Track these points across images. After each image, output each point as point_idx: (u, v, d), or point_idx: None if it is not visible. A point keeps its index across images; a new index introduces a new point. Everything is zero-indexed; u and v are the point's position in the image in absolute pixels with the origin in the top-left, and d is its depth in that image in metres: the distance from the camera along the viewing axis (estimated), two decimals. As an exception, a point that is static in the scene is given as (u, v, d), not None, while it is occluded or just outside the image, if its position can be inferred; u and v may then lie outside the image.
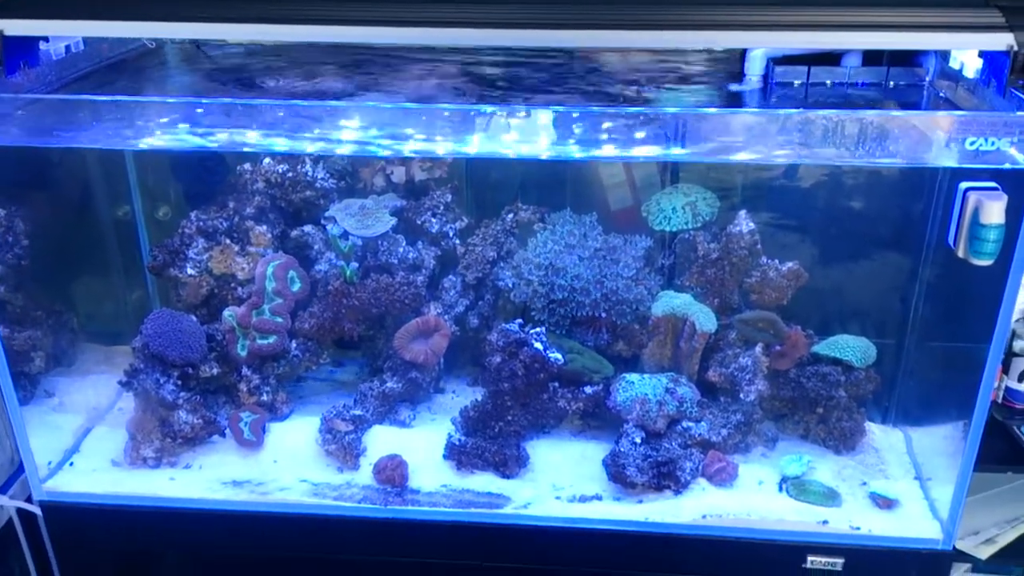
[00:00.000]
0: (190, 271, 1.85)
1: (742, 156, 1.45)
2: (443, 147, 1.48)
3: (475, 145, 1.46)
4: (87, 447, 1.86)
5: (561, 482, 1.73)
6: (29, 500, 1.78)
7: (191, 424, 1.77)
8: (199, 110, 1.46)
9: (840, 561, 1.62)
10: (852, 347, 1.78)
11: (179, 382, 1.78)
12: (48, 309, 1.96)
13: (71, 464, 1.81)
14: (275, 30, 1.42)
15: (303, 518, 1.70)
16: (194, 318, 1.83)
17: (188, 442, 1.79)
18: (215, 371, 1.82)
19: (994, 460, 1.72)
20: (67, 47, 1.62)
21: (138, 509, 1.72)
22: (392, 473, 1.72)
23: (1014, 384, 1.80)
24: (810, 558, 1.62)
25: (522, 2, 1.39)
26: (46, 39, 1.56)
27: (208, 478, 1.76)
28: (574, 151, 1.44)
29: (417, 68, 1.71)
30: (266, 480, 1.75)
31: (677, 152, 1.42)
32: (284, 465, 1.78)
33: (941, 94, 1.53)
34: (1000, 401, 1.84)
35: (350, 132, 1.48)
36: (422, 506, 1.69)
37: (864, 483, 1.72)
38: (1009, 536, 1.80)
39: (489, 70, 1.72)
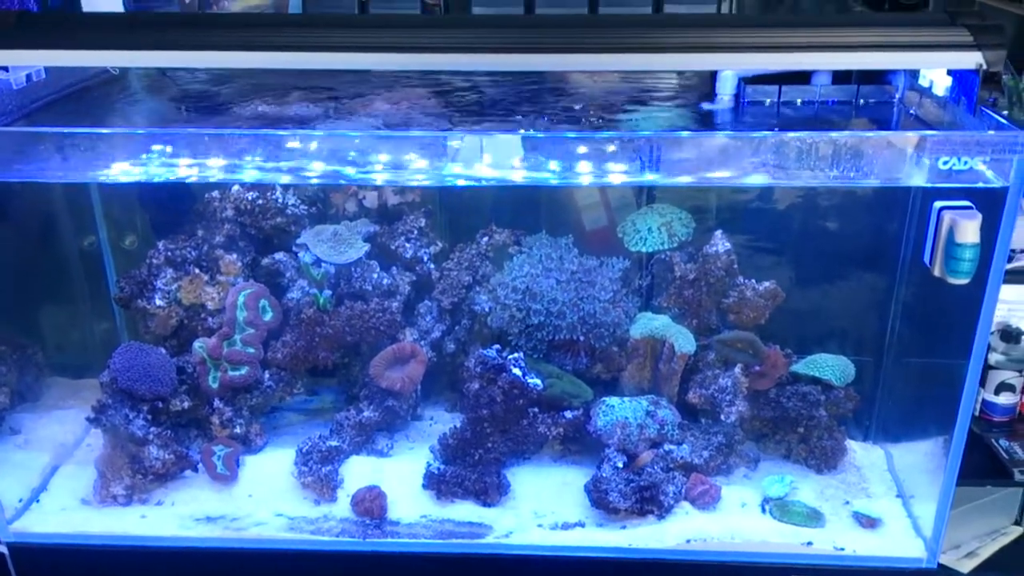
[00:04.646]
0: (158, 302, 1.81)
1: (717, 177, 1.45)
2: (414, 174, 1.47)
3: (448, 170, 1.44)
4: (55, 485, 1.81)
5: (543, 509, 1.71)
6: (-4, 542, 1.73)
7: (162, 459, 1.72)
8: (164, 142, 1.43)
9: (825, 582, 1.61)
10: (831, 366, 1.78)
11: (149, 417, 1.74)
12: (12, 343, 1.91)
13: (37, 502, 1.76)
14: (239, 57, 1.40)
15: (280, 553, 1.67)
16: (163, 350, 1.79)
17: (159, 478, 1.75)
18: (186, 404, 1.78)
19: (973, 473, 1.71)
20: (28, 76, 1.58)
21: (109, 549, 1.68)
22: (371, 505, 1.69)
23: (991, 397, 1.81)
24: (795, 580, 1.62)
25: (493, 27, 1.38)
26: (6, 68, 1.52)
27: (181, 515, 1.72)
28: (548, 176, 1.43)
29: (386, 92, 1.68)
30: (241, 515, 1.71)
31: (651, 177, 1.41)
32: (259, 499, 1.74)
33: (911, 111, 1.54)
34: (977, 414, 1.84)
35: (320, 160, 1.46)
36: (402, 538, 1.67)
37: (847, 502, 1.71)
38: (990, 549, 1.79)
39: (461, 94, 1.70)
